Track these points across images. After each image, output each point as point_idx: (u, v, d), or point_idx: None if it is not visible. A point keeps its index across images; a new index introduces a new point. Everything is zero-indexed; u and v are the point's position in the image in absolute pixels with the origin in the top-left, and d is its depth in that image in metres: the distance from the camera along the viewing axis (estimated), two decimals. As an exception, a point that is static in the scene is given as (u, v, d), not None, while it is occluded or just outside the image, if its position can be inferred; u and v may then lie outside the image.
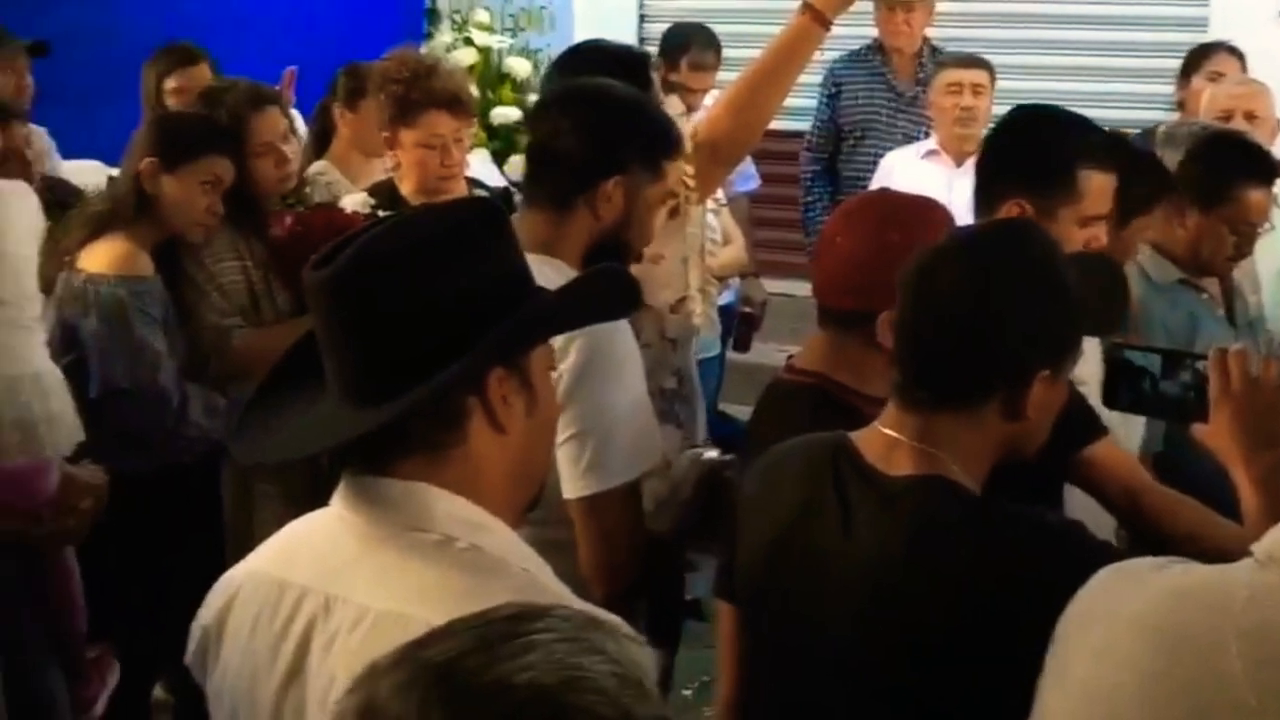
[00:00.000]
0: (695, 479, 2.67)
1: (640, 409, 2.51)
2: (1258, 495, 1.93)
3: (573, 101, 2.66)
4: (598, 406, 2.41)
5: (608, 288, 1.80)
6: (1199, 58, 5.28)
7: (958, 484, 1.93)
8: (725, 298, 5.43)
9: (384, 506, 1.59)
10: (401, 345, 1.56)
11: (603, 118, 2.59)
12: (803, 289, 6.66)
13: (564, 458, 2.41)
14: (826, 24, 3.05)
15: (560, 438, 2.34)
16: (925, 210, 2.47)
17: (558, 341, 2.16)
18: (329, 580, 1.58)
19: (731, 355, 5.59)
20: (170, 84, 4.30)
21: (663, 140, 2.64)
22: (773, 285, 5.99)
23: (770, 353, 5.96)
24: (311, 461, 3.59)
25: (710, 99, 5.45)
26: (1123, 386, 2.09)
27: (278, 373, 1.75)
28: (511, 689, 0.98)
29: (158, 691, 3.99)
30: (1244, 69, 5.14)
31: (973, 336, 1.92)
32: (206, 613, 1.72)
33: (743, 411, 2.69)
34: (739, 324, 5.65)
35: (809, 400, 2.41)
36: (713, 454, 2.75)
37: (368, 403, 1.57)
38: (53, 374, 3.05)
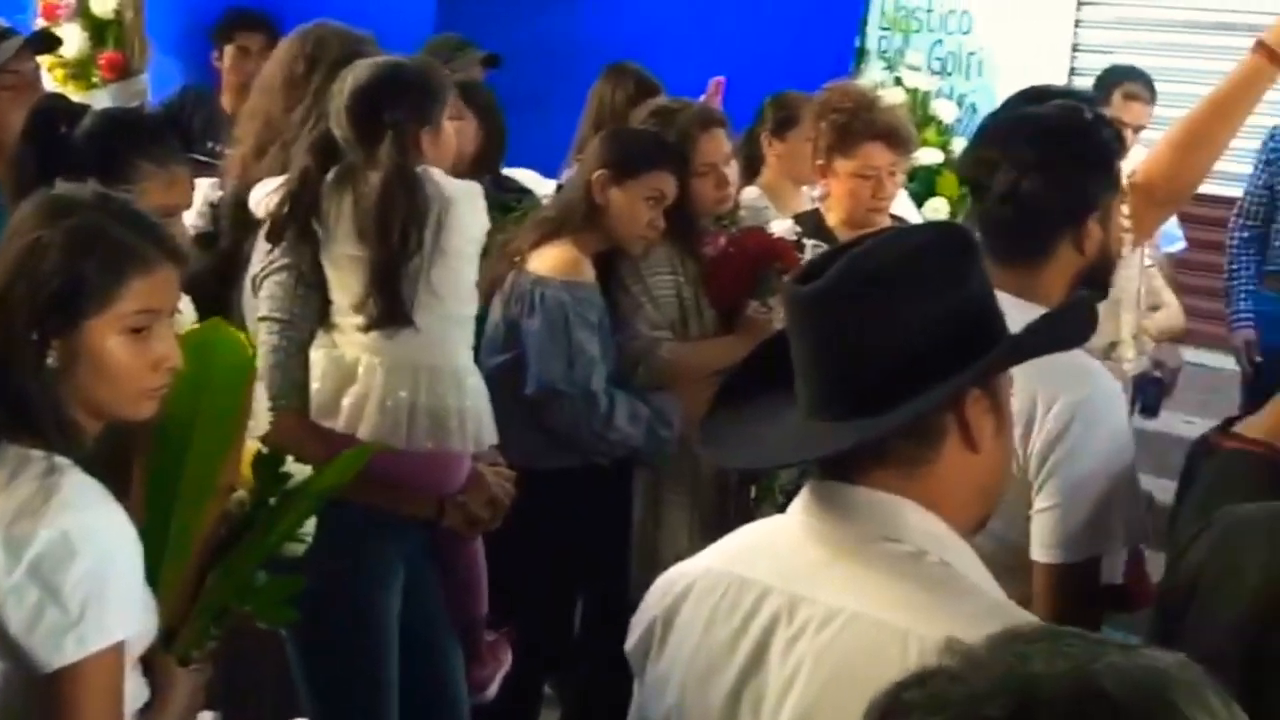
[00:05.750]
0: None
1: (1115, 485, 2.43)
2: None
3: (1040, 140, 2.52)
4: (1072, 480, 2.36)
5: (1076, 316, 1.80)
6: None
7: None
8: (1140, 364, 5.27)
9: (853, 515, 1.62)
10: (885, 361, 1.58)
11: (1074, 153, 2.49)
12: (1217, 360, 6.48)
13: (1036, 524, 2.38)
14: None
15: (1036, 507, 2.35)
16: None
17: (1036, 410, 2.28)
18: (794, 581, 1.62)
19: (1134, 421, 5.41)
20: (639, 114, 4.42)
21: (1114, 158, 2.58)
22: (1185, 354, 5.78)
23: (1175, 423, 5.75)
24: (721, 474, 3.72)
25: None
26: None
27: (733, 385, 1.80)
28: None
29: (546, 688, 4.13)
30: None
31: None
32: (654, 605, 1.76)
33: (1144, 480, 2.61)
34: (1149, 388, 5.47)
35: (1263, 470, 2.32)
36: None
37: (845, 416, 1.60)
38: (474, 373, 3.18)
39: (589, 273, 3.70)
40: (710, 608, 1.68)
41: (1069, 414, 2.34)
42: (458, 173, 3.38)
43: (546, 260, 3.69)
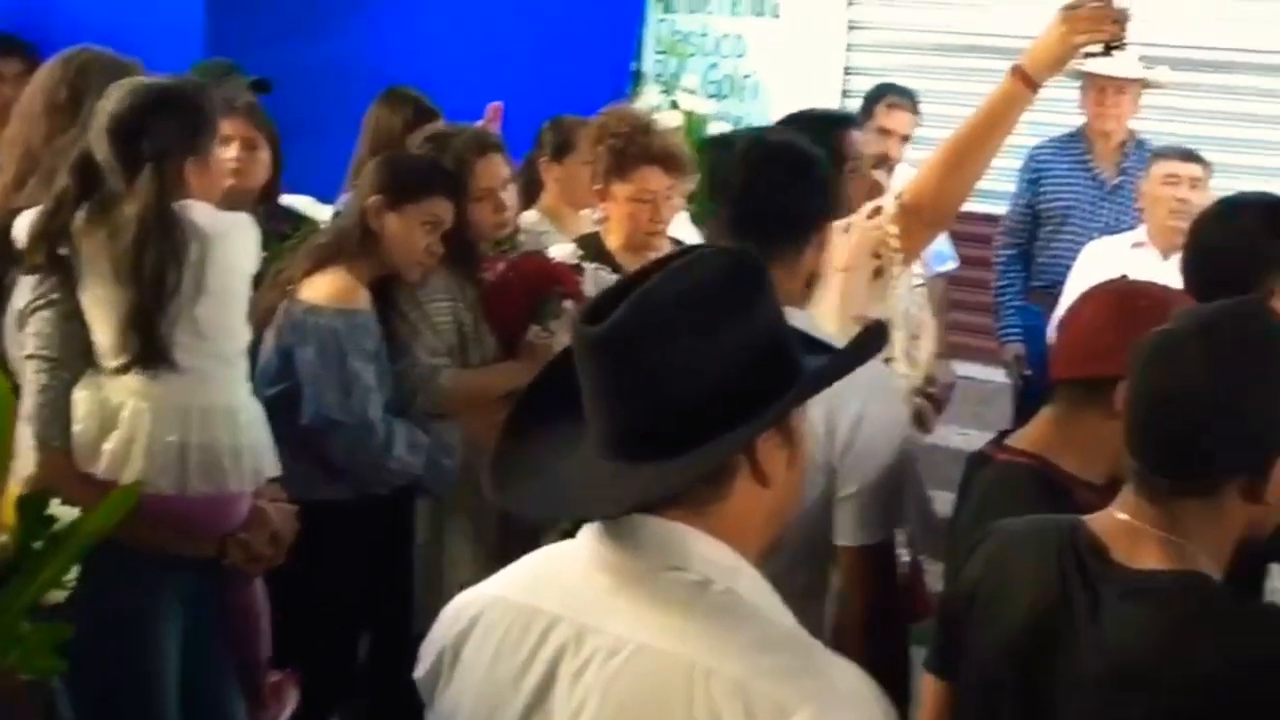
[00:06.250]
0: None
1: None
2: None
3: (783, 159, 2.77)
4: (868, 468, 2.61)
5: (870, 339, 1.79)
6: None
7: (1211, 579, 1.89)
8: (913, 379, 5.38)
9: (642, 545, 1.60)
10: (677, 402, 1.55)
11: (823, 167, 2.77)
12: (988, 373, 6.66)
13: (840, 512, 2.63)
14: (1035, 87, 3.06)
15: (840, 495, 2.60)
16: (1171, 292, 2.48)
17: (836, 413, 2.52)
18: (582, 610, 1.60)
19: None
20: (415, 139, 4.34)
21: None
22: (959, 368, 5.93)
23: (950, 435, 5.89)
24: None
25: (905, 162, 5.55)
26: None
27: (519, 419, 1.74)
28: None
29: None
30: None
31: (1214, 421, 1.87)
32: (443, 634, 1.73)
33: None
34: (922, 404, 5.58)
35: (1034, 481, 2.40)
36: None
37: (638, 458, 1.57)
38: (250, 409, 3.08)
39: (364, 300, 3.63)
40: (498, 637, 1.66)
41: (862, 409, 2.57)
42: (245, 204, 3.29)
43: (320, 288, 3.60)
